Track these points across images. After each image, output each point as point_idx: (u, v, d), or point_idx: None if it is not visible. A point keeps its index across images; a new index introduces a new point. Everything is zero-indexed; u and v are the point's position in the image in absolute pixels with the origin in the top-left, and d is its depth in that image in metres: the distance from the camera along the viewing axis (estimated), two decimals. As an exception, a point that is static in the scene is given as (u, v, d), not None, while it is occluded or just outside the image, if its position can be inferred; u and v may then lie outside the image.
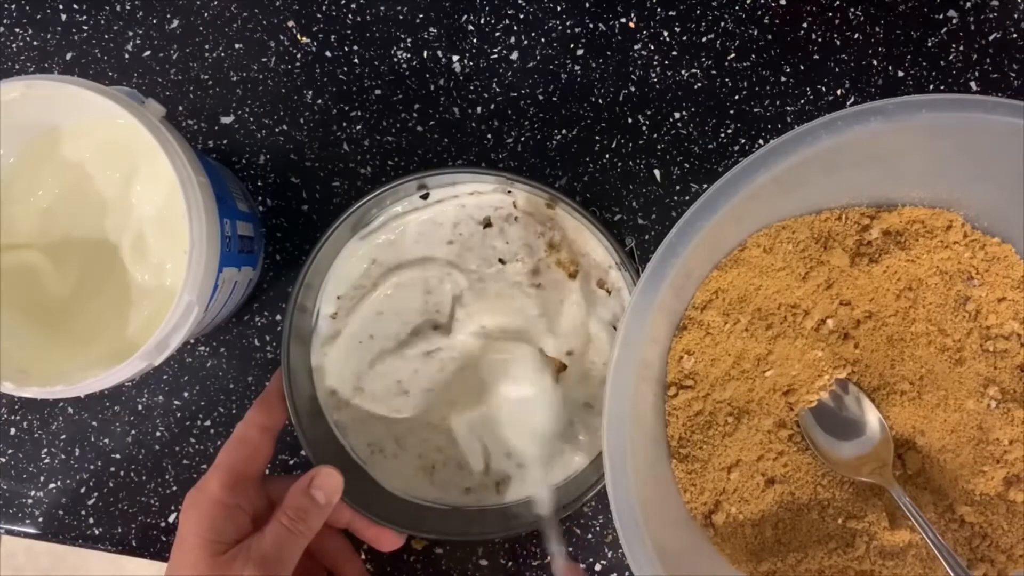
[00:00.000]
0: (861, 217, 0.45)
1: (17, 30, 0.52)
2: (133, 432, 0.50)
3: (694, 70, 0.51)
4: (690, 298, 0.44)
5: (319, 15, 0.52)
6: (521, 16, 0.51)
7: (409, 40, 0.51)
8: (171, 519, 0.50)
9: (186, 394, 0.51)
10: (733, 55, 0.51)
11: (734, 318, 0.44)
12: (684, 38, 0.51)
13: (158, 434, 0.50)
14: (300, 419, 0.44)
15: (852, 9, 0.51)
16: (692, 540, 0.44)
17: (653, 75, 0.51)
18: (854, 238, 0.45)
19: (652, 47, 0.51)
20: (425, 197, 0.48)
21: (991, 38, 0.51)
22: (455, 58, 0.51)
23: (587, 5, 0.51)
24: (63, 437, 0.51)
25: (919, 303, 0.45)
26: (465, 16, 0.51)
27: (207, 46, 0.51)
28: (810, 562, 0.43)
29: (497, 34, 0.51)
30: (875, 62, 0.51)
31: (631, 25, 0.51)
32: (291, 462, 0.50)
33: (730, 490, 0.44)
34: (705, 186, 0.42)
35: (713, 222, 0.38)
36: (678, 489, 0.44)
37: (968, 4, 0.51)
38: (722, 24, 0.51)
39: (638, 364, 0.39)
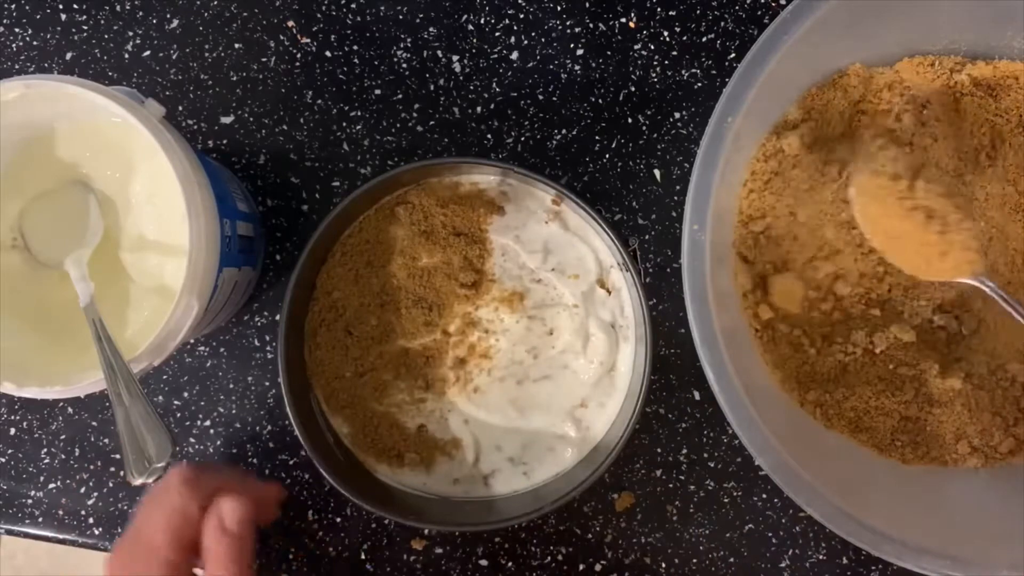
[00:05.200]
0: (954, 64, 0.46)
1: (17, 30, 0.52)
2: (133, 432, 0.50)
3: (694, 70, 0.51)
4: (783, 112, 0.46)
5: (319, 15, 0.52)
6: (521, 16, 0.51)
7: (409, 40, 0.51)
8: (171, 519, 0.50)
9: (186, 394, 0.51)
10: (733, 55, 0.51)
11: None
12: (684, 38, 0.51)
13: (158, 434, 0.50)
14: (292, 396, 0.44)
15: (852, 9, 0.51)
16: (747, 350, 0.45)
17: (653, 75, 0.51)
18: (944, 79, 0.46)
19: (652, 47, 0.51)
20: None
21: None
22: (455, 58, 0.51)
23: (587, 5, 0.51)
24: (63, 437, 0.51)
25: (998, 162, 0.46)
26: (465, 16, 0.51)
27: (207, 46, 0.51)
28: (856, 400, 0.45)
29: (497, 34, 0.51)
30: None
31: (631, 25, 0.51)
32: (291, 462, 0.50)
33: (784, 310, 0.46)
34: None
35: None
36: (736, 285, 0.46)
37: None
38: (722, 24, 0.51)
39: (729, 149, 0.40)
